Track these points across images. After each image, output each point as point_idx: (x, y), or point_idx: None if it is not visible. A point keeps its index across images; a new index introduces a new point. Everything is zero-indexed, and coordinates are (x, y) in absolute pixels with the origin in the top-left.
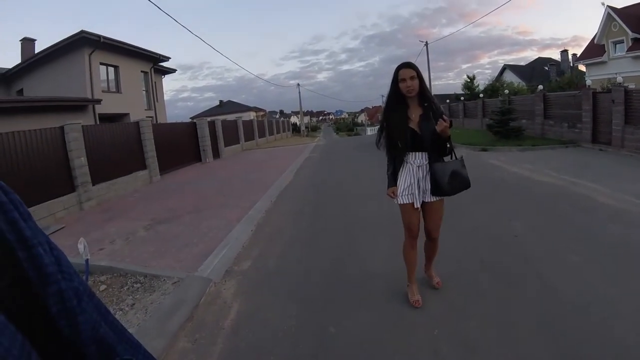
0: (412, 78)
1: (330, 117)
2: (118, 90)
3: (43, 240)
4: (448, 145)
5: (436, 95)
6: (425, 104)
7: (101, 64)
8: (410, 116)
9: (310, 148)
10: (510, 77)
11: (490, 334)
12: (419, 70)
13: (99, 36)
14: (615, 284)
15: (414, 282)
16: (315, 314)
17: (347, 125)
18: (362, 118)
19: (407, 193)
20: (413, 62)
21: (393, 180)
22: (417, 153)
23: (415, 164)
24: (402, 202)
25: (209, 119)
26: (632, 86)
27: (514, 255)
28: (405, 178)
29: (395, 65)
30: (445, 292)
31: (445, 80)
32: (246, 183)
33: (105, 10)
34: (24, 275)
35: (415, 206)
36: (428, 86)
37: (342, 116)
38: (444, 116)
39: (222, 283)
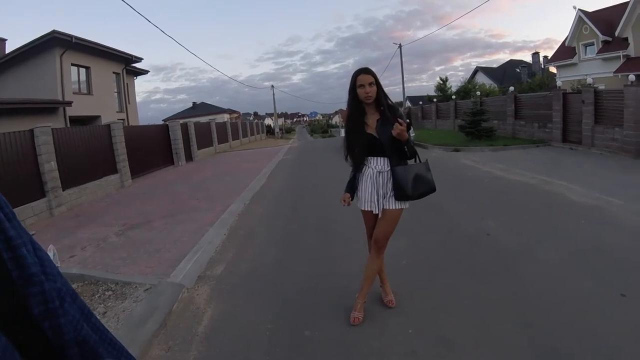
0: (370, 84)
1: (305, 118)
2: (89, 92)
3: (27, 240)
4: (407, 149)
5: (409, 97)
6: (382, 108)
7: (72, 64)
8: (368, 122)
9: (284, 150)
10: (482, 79)
11: (467, 332)
12: (376, 76)
13: (70, 36)
14: (589, 279)
15: (363, 296)
16: (290, 317)
17: (322, 127)
18: (336, 119)
19: (367, 200)
20: (387, 64)
21: (349, 186)
22: (377, 158)
23: (376, 170)
24: (362, 209)
25: (181, 121)
26: (602, 87)
27: (488, 254)
28: (366, 184)
29: (367, 66)
30: (420, 292)
31: (418, 82)
32: (219, 186)
33: (76, 9)
34: (8, 276)
35: (375, 212)
36: (402, 88)
37: (317, 118)
38: (399, 119)
39: (194, 288)
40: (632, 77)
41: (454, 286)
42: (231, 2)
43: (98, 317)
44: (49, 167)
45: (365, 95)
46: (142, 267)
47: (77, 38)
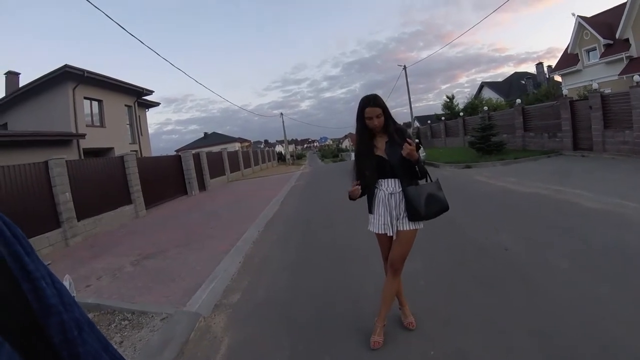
0: (378, 116)
1: (315, 144)
2: (102, 125)
3: (45, 273)
4: (417, 169)
5: (417, 117)
6: (390, 132)
7: (85, 98)
8: (377, 144)
9: (296, 176)
10: (488, 93)
11: (490, 351)
12: (383, 105)
13: (82, 70)
14: (608, 284)
15: (382, 320)
16: (308, 343)
17: (332, 152)
18: (346, 143)
19: (381, 223)
20: (393, 86)
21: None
22: (388, 180)
23: (388, 191)
24: (376, 232)
25: (193, 151)
26: (608, 91)
27: (506, 268)
28: (378, 207)
29: (376, 91)
30: (440, 312)
31: (425, 102)
32: (233, 214)
33: (87, 44)
34: (29, 307)
35: (389, 234)
36: (410, 109)
37: (327, 143)
38: (408, 139)
39: (211, 317)
40: (637, 77)
41: (474, 304)
42: (237, 34)
43: (115, 347)
44: (64, 198)
45: (373, 126)
46: (158, 297)
47: (88, 72)
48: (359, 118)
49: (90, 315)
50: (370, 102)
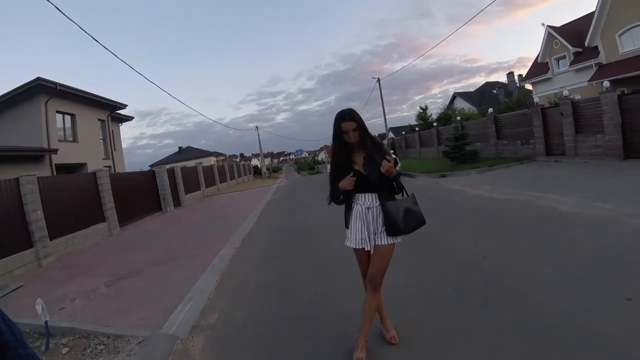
0: (354, 130)
1: (291, 157)
2: (75, 140)
3: None
4: (395, 184)
5: (391, 128)
6: (367, 146)
7: (57, 112)
8: (355, 159)
9: (272, 190)
10: (461, 103)
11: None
12: (359, 119)
13: (55, 83)
14: (593, 288)
15: (364, 336)
16: None
17: (308, 164)
18: (322, 156)
19: (358, 238)
20: (367, 98)
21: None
22: (365, 195)
23: (365, 206)
24: (353, 247)
25: (168, 166)
26: (578, 97)
27: (487, 277)
28: (356, 221)
29: (351, 103)
30: (423, 324)
31: (399, 113)
32: (209, 231)
33: (59, 55)
34: None
35: (367, 249)
36: (384, 121)
37: (303, 155)
38: (387, 156)
39: (189, 339)
40: (606, 83)
41: (457, 314)
42: (211, 47)
43: None
44: (36, 216)
45: (349, 140)
46: (134, 319)
47: (61, 85)
48: (336, 132)
49: (64, 340)
50: (346, 117)
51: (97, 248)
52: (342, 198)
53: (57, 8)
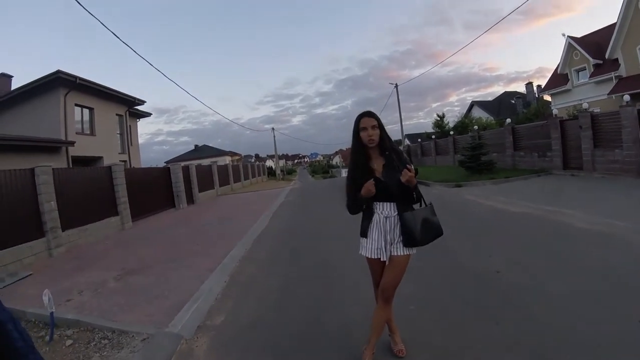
0: (373, 127)
1: (306, 160)
2: (92, 133)
3: (8, 318)
4: (414, 194)
5: (407, 135)
6: (387, 153)
7: (76, 105)
8: (373, 166)
9: (286, 192)
10: (478, 112)
11: None
12: (379, 120)
13: (75, 77)
14: (603, 308)
15: (371, 348)
16: None
17: (322, 168)
18: (336, 160)
19: (374, 247)
20: (385, 104)
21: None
22: (384, 203)
23: (383, 215)
24: (369, 257)
25: (183, 163)
26: (597, 110)
27: (498, 293)
28: (372, 230)
29: (365, 108)
30: (431, 338)
31: (416, 120)
32: (220, 230)
33: (80, 50)
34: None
35: (382, 259)
36: (400, 127)
37: (317, 159)
38: (408, 165)
39: (194, 340)
40: (627, 97)
41: (466, 329)
42: (230, 47)
43: None
44: (49, 206)
45: (368, 138)
46: (139, 315)
47: (81, 79)
48: (355, 133)
49: (69, 332)
50: (366, 114)
51: (108, 241)
52: (364, 207)
53: (80, 4)
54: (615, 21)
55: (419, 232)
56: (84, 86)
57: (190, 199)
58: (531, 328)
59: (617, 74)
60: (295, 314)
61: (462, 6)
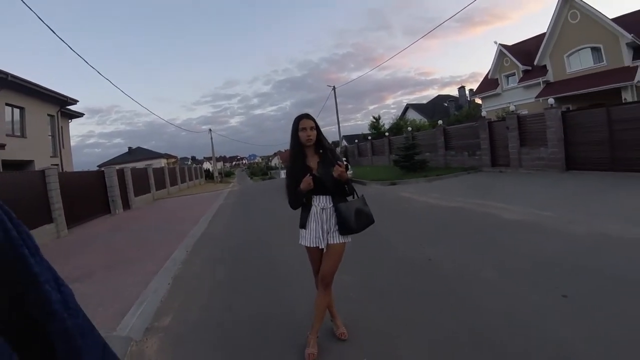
0: (311, 128)
1: (244, 161)
2: (23, 135)
3: (50, 277)
4: (346, 187)
5: (345, 136)
6: (321, 151)
7: (6, 104)
8: (309, 164)
9: (224, 195)
10: (413, 115)
11: (420, 355)
12: (316, 122)
13: (6, 74)
14: (530, 287)
15: (315, 332)
16: None
17: (261, 170)
18: (275, 161)
19: (313, 237)
20: (322, 106)
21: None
22: (320, 196)
23: (319, 207)
24: (308, 246)
25: (117, 167)
26: (525, 112)
27: (432, 279)
28: (310, 221)
29: (306, 109)
30: (371, 322)
31: (354, 122)
32: (160, 234)
33: (5, 44)
34: (32, 313)
35: (321, 247)
36: (338, 128)
37: (256, 160)
38: (339, 162)
39: (143, 341)
40: (551, 100)
41: (403, 313)
42: (167, 45)
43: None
44: None
45: (306, 138)
46: None
47: (13, 76)
48: (294, 133)
49: None
50: (305, 116)
51: (44, 250)
52: (304, 201)
53: None
54: (545, 31)
55: (353, 221)
56: (16, 84)
57: (126, 204)
58: (463, 308)
59: (544, 79)
60: (241, 309)
61: (403, 13)
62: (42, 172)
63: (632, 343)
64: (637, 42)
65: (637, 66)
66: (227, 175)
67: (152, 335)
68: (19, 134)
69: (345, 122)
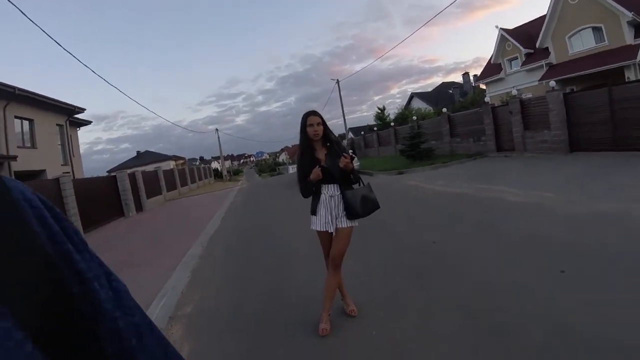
0: (318, 124)
1: (252, 159)
2: (33, 146)
3: (100, 273)
4: (352, 176)
5: (351, 128)
6: (328, 144)
7: (16, 117)
8: (318, 156)
9: (234, 192)
10: (418, 103)
11: (424, 327)
12: (322, 117)
13: (13, 87)
14: (531, 263)
15: (327, 310)
16: (264, 340)
17: (269, 166)
18: (283, 157)
19: (322, 222)
20: (327, 99)
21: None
22: (328, 185)
23: (328, 194)
24: (319, 230)
25: (128, 171)
26: (529, 95)
27: (435, 260)
28: (320, 208)
29: (311, 103)
30: (378, 300)
31: (359, 113)
32: (175, 233)
33: (6, 54)
34: (78, 313)
35: (330, 231)
36: (344, 121)
37: (264, 157)
38: (344, 154)
39: (168, 328)
40: (552, 83)
41: (409, 291)
42: (169, 47)
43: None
44: None
45: (314, 133)
46: None
47: (20, 89)
48: (302, 128)
49: None
50: (312, 113)
51: None
52: (314, 190)
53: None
54: (545, 13)
55: (359, 206)
56: (23, 97)
57: (139, 206)
58: (463, 285)
59: (547, 62)
60: (257, 295)
61: (402, 2)
62: (57, 180)
63: (623, 308)
64: (637, 20)
65: (639, 44)
66: (235, 173)
67: (176, 322)
68: (29, 145)
69: (350, 115)
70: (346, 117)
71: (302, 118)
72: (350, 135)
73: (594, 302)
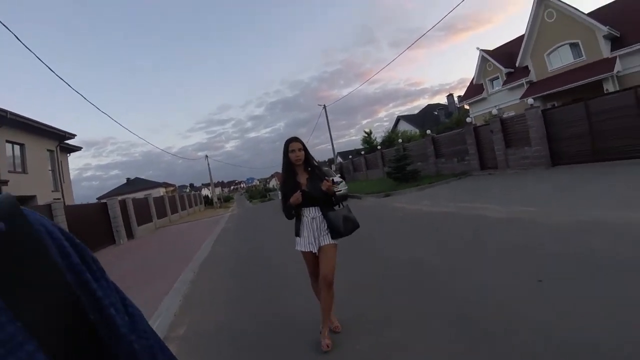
0: (299, 149)
1: (242, 185)
2: (24, 171)
3: (116, 300)
4: (334, 198)
5: (340, 153)
6: (309, 169)
7: (7, 141)
8: (300, 180)
9: (224, 219)
10: (404, 126)
11: (409, 336)
12: (304, 143)
13: (5, 111)
14: (510, 274)
15: (327, 326)
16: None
17: (260, 192)
18: (273, 183)
19: (306, 242)
20: (314, 125)
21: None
22: (310, 208)
23: (310, 216)
24: (303, 250)
25: (119, 198)
26: (511, 114)
27: (420, 275)
28: (303, 230)
29: (300, 129)
30: (360, 314)
31: (347, 137)
32: (166, 259)
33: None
34: (97, 337)
35: (313, 251)
36: (332, 146)
37: (254, 183)
38: (326, 178)
39: None
40: (530, 100)
41: (394, 306)
42: (158, 73)
43: None
44: None
45: (295, 158)
46: None
47: (12, 113)
48: (285, 155)
49: None
50: (294, 139)
51: None
52: (294, 213)
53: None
54: (524, 32)
55: (342, 226)
56: (15, 121)
57: (130, 234)
58: (450, 297)
59: (528, 80)
60: (250, 318)
61: (389, 26)
62: (49, 206)
63: (602, 313)
64: (613, 33)
65: (616, 57)
66: (226, 200)
67: (170, 342)
68: (20, 169)
69: (339, 139)
70: (335, 142)
71: (285, 144)
72: (339, 159)
73: (568, 308)
